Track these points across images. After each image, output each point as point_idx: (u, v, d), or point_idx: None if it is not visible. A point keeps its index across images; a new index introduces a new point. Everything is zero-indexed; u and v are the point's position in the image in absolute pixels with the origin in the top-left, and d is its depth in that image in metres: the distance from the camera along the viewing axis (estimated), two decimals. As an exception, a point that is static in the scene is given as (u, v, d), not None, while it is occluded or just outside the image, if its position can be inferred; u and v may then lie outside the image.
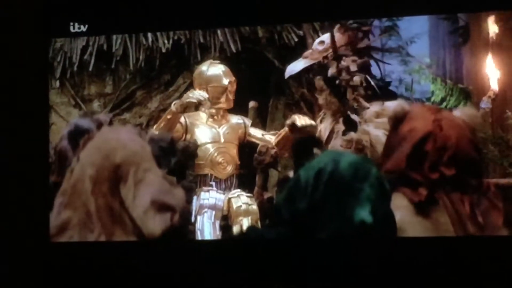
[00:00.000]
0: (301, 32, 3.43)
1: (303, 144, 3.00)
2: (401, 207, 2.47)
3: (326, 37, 3.23)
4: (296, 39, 3.46)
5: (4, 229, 3.12)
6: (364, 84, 3.13)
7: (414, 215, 2.51)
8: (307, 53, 3.27)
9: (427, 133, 2.61)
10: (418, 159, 2.59)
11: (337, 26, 3.18)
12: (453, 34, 3.22)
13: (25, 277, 3.03)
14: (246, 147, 3.34)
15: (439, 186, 2.56)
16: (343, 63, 3.15)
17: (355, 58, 3.16)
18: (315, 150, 2.83)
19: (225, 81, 3.33)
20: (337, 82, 3.14)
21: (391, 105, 3.02)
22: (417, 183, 2.56)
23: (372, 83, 3.11)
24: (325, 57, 3.19)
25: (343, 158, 2.03)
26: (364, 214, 1.97)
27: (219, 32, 3.47)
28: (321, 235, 2.02)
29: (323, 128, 3.16)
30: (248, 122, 3.39)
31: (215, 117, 3.35)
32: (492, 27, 3.02)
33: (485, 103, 2.97)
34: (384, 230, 2.05)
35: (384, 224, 2.05)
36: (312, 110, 3.35)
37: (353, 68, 3.14)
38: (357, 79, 3.12)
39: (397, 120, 2.71)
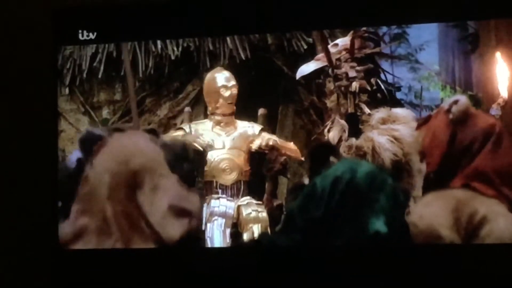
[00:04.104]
0: (310, 39, 3.44)
1: (319, 152, 3.00)
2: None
3: (340, 40, 3.24)
4: (305, 46, 3.47)
5: (13, 236, 3.12)
6: (371, 89, 3.15)
7: None
8: (319, 55, 3.28)
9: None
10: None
11: (351, 32, 3.20)
12: (462, 41, 3.23)
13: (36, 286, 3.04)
14: (256, 154, 3.34)
15: None
16: (342, 69, 3.17)
17: (354, 64, 3.18)
18: (332, 158, 2.82)
19: (219, 85, 3.33)
20: (333, 88, 3.17)
21: (400, 112, 3.04)
22: None
23: (383, 87, 3.13)
24: (338, 59, 3.21)
25: (360, 168, 2.03)
26: (379, 224, 1.98)
27: (228, 39, 3.49)
28: (335, 243, 2.02)
29: (331, 137, 3.16)
30: (258, 128, 3.36)
31: (222, 124, 3.35)
32: (501, 34, 3.02)
33: (495, 110, 2.97)
34: (398, 240, 2.05)
35: (398, 235, 2.05)
36: (321, 117, 3.35)
37: (352, 74, 3.15)
38: (355, 85, 3.14)
39: (464, 118, 2.60)
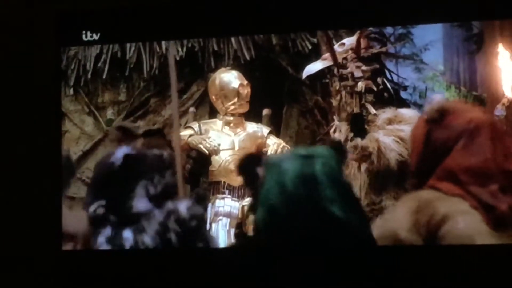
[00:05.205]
0: (315, 40, 3.44)
1: (247, 166, 2.99)
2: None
3: (347, 39, 3.24)
4: (310, 47, 3.48)
5: (16, 236, 3.11)
6: (377, 88, 3.15)
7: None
8: (326, 55, 3.27)
9: (489, 122, 2.29)
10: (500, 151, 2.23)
11: (357, 31, 3.19)
12: (467, 41, 3.23)
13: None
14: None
15: None
16: (348, 69, 3.16)
17: (360, 64, 3.17)
18: (259, 171, 2.76)
19: (236, 84, 3.35)
20: (338, 88, 3.16)
21: (406, 112, 3.04)
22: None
23: (389, 87, 3.13)
24: (344, 59, 3.21)
25: (286, 178, 1.96)
26: (335, 209, 1.93)
27: (233, 39, 3.49)
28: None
29: (337, 137, 3.16)
30: (266, 130, 3.38)
31: (231, 124, 3.36)
32: (506, 34, 3.02)
33: (499, 111, 2.96)
34: (354, 219, 1.99)
35: (354, 212, 1.98)
36: (325, 118, 3.35)
37: (358, 74, 3.15)
38: (361, 85, 3.13)
39: (439, 117, 2.36)
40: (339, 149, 2.06)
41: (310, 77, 3.33)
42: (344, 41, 3.24)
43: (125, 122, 3.45)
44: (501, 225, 2.12)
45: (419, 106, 3.24)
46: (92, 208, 2.66)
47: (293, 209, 1.92)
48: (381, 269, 2.42)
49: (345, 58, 3.20)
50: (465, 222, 2.18)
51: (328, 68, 3.26)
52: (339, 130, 3.12)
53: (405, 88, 3.22)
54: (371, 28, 3.19)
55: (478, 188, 2.20)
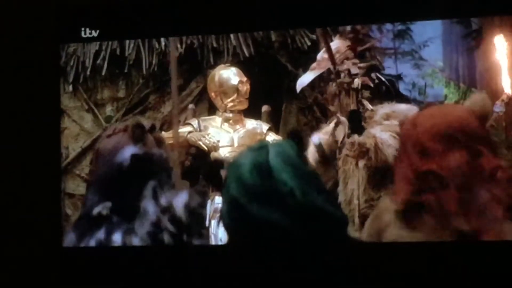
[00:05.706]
0: (314, 36, 3.44)
1: (211, 170, 3.00)
2: None
3: (332, 44, 3.19)
4: (309, 43, 3.48)
5: (16, 234, 3.12)
6: (373, 84, 3.14)
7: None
8: (313, 65, 3.25)
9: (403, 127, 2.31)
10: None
11: (337, 35, 3.17)
12: (466, 38, 3.22)
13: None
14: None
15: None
16: (344, 66, 3.16)
17: (356, 61, 3.17)
18: (222, 172, 2.79)
19: (235, 81, 3.35)
20: (334, 85, 3.15)
21: (404, 108, 3.03)
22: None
23: (383, 79, 3.12)
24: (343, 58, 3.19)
25: (242, 171, 1.98)
26: (293, 191, 1.93)
27: (232, 36, 3.49)
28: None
29: (338, 134, 3.16)
30: (266, 127, 3.38)
31: (231, 121, 3.37)
32: (505, 31, 3.01)
33: (499, 107, 2.96)
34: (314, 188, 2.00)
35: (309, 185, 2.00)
36: (325, 115, 3.35)
37: (354, 70, 3.14)
38: (357, 81, 3.13)
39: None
40: (294, 137, 2.08)
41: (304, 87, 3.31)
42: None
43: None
44: (410, 224, 2.18)
45: (418, 103, 3.24)
46: (97, 209, 2.65)
47: (254, 199, 1.93)
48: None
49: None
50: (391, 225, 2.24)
51: (320, 76, 3.25)
52: (344, 125, 3.11)
53: (399, 76, 3.21)
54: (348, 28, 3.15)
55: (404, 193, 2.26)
